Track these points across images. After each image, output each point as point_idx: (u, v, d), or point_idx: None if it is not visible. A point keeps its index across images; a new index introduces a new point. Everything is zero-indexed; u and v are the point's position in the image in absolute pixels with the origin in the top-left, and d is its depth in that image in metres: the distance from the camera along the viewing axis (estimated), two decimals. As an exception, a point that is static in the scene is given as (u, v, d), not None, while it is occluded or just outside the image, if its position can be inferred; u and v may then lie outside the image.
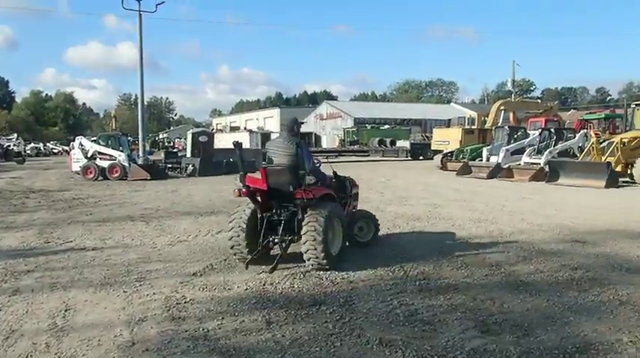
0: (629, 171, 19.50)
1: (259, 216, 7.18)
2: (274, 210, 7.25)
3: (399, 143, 45.83)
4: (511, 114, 35.08)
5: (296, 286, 6.34)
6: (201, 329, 5.05)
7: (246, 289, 6.24)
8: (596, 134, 23.05)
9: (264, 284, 6.41)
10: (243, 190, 7.10)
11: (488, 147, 26.53)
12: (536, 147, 23.84)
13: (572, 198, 15.48)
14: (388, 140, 45.78)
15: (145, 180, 22.89)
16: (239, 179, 7.19)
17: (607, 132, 30.28)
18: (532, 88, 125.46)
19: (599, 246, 8.42)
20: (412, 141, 45.48)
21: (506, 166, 23.50)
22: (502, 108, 33.71)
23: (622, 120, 25.69)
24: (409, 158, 44.06)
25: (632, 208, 13.01)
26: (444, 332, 4.88)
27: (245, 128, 54.84)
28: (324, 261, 6.88)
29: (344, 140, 51.41)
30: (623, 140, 19.79)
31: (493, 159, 25.15)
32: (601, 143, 21.35)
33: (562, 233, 9.61)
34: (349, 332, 4.95)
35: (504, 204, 14.04)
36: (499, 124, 31.19)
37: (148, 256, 7.99)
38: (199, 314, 5.44)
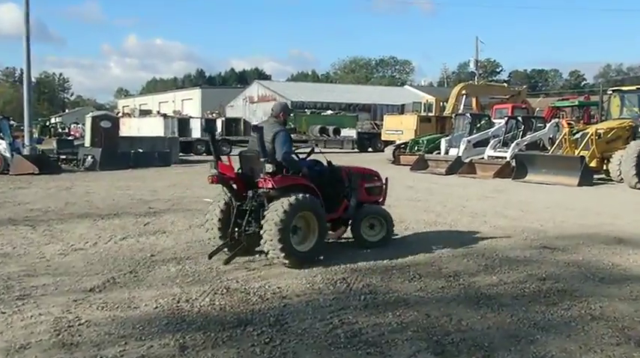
0: (604, 167, 20.41)
1: (232, 205, 8.08)
2: (247, 200, 8.05)
3: (344, 132, 46.27)
4: (474, 100, 36.07)
5: (217, 303, 6.28)
6: (98, 357, 4.92)
7: (156, 307, 6.14)
8: (568, 124, 24.06)
9: (178, 301, 6.32)
10: (215, 177, 7.95)
11: (448, 138, 27.20)
12: (501, 138, 24.62)
13: (542, 197, 16.07)
14: (331, 128, 46.13)
15: (32, 174, 22.14)
16: (213, 165, 8.03)
17: (581, 121, 31.68)
18: (498, 70, 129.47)
19: (570, 253, 8.75)
20: (359, 130, 45.98)
21: (467, 160, 24.15)
22: (464, 92, 34.61)
23: (597, 109, 26.81)
24: (356, 149, 44.56)
25: (607, 209, 13.63)
26: (393, 355, 4.96)
27: (159, 112, 53.83)
28: (283, 256, 7.57)
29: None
30: (598, 131, 20.68)
31: (453, 152, 25.81)
32: (574, 134, 22.25)
33: (529, 238, 9.95)
34: (280, 357, 4.95)
35: (465, 204, 14.41)
36: (460, 111, 32.03)
37: (34, 268, 7.74)
38: (97, 338, 5.30)
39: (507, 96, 37.92)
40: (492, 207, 13.80)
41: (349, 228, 9.13)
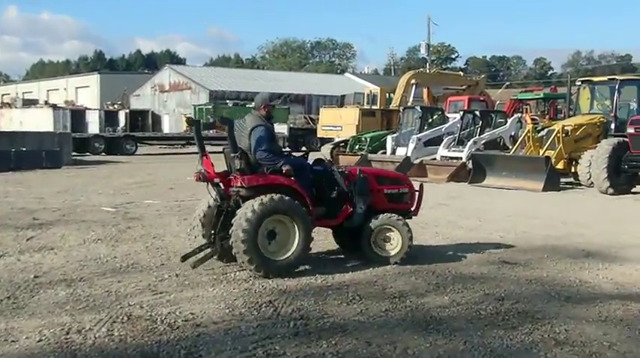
0: (572, 169, 21.08)
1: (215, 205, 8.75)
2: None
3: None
4: (425, 91, 36.69)
5: (116, 333, 6.18)
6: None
7: (40, 340, 5.99)
8: (532, 119, 24.70)
9: (67, 333, 6.18)
10: (198, 174, 8.61)
11: (395, 136, 27.57)
12: (456, 135, 25.10)
13: (502, 204, 16.47)
14: (258, 123, 46.05)
15: None
16: (199, 161, 8.70)
17: (546, 116, 32.61)
18: (453, 56, 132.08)
19: (533, 269, 9.00)
20: (291, 126, 46.18)
21: (417, 161, 24.54)
22: (413, 81, 35.10)
23: (565, 102, 27.64)
24: (287, 148, 44.52)
25: (575, 218, 14.09)
26: (327, 392, 4.98)
27: (47, 102, 52.64)
28: (250, 264, 8.13)
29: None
30: (565, 128, 21.34)
31: (401, 152, 26.18)
32: (539, 131, 22.91)
33: (487, 251, 10.17)
34: (193, 397, 4.90)
35: (414, 212, 14.61)
36: (409, 104, 32.46)
37: None
38: (-35, 380, 5.13)
39: (464, 87, 38.66)
40: (445, 216, 14.05)
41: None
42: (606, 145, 19.43)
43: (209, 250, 8.68)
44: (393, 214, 9.37)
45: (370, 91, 39.65)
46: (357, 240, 9.36)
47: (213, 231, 8.66)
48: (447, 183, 21.97)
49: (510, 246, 10.64)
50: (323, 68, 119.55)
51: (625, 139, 19.15)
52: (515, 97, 36.02)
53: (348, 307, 7.10)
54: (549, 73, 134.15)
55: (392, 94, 36.23)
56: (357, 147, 29.64)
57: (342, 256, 9.74)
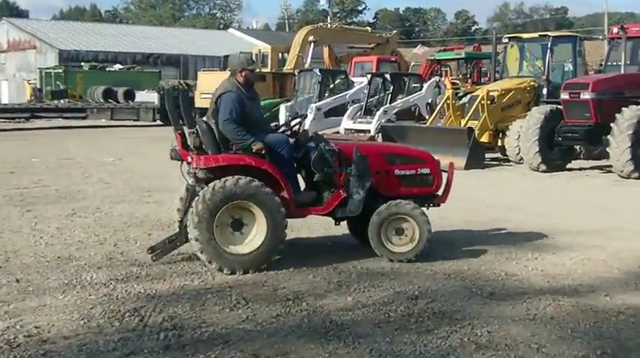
0: (499, 143, 21.63)
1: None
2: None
3: (141, 96, 45.62)
4: (325, 50, 36.82)
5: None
6: None
7: None
8: (452, 84, 25.17)
9: None
10: (171, 153, 9.18)
11: (289, 104, 27.64)
12: (363, 104, 25.30)
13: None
14: (121, 91, 45.31)
15: None
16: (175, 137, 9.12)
17: (469, 80, 33.26)
18: (360, 9, 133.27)
19: (452, 261, 9.22)
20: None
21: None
22: (311, 39, 35.20)
23: (490, 63, 28.23)
24: (158, 121, 44.01)
25: (502, 201, 14.55)
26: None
27: None
28: (206, 258, 8.50)
29: (41, 90, 49.72)
30: (491, 94, 21.83)
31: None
32: (460, 98, 23.35)
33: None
34: None
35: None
36: (306, 66, 32.54)
37: None
38: None
39: (372, 46, 39.05)
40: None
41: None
42: (537, 114, 19.88)
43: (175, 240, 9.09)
44: (407, 201, 9.29)
45: (259, 51, 39.47)
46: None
47: (179, 218, 9.11)
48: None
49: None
50: (202, 22, 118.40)
51: (559, 106, 19.67)
52: (432, 58, 36.53)
53: (231, 313, 7.12)
54: (473, 28, 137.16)
55: (286, 54, 36.25)
56: (244, 118, 29.49)
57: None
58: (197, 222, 8.38)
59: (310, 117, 25.49)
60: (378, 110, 24.31)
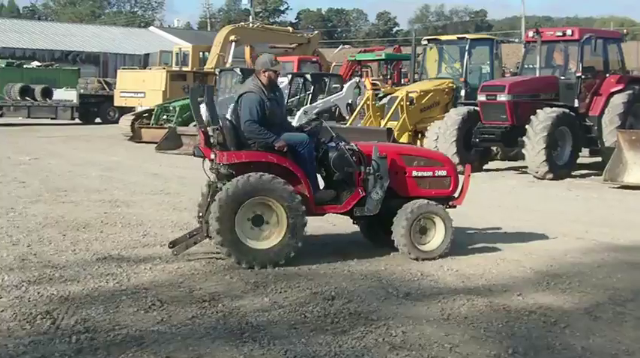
0: (418, 143, 21.84)
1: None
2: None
3: (59, 94, 44.79)
4: (247, 50, 36.78)
5: None
6: None
7: None
8: (373, 84, 25.37)
9: None
10: (194, 150, 9.59)
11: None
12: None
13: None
14: (38, 89, 44.40)
15: None
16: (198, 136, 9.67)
17: (389, 81, 33.57)
18: (282, 9, 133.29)
19: (369, 262, 9.30)
20: (82, 91, 44.83)
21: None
22: (232, 38, 35.17)
23: (410, 64, 28.51)
24: (77, 120, 43.42)
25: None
26: None
27: None
28: (226, 252, 8.76)
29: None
30: (410, 95, 22.08)
31: (217, 124, 26.07)
32: (380, 98, 23.54)
33: (318, 242, 10.36)
34: None
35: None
36: (227, 65, 32.43)
37: None
38: None
39: (293, 46, 39.12)
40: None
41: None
42: (455, 115, 20.19)
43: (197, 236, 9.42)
44: (431, 201, 9.58)
45: (180, 49, 39.28)
46: (388, 231, 9.57)
47: (200, 214, 9.49)
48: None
49: (344, 236, 10.92)
50: (122, 20, 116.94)
51: (476, 108, 19.99)
52: (352, 58, 36.74)
53: (146, 315, 7.06)
54: (395, 29, 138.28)
55: (207, 53, 36.09)
56: (164, 118, 29.33)
57: (142, 252, 9.69)
58: (219, 216, 8.62)
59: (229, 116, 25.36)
60: (299, 110, 24.34)
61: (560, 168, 18.45)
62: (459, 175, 10.19)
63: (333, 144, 9.54)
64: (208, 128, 9.27)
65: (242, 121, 9.12)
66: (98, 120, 43.25)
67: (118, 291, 7.85)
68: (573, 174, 19.17)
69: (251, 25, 46.17)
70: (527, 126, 18.21)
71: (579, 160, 19.78)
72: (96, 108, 43.82)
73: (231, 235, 8.69)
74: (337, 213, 9.74)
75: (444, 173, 9.94)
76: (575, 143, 19.02)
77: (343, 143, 9.52)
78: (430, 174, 9.87)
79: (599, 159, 19.76)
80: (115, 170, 19.82)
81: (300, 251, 9.41)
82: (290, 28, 48.04)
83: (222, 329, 6.66)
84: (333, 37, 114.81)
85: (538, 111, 18.36)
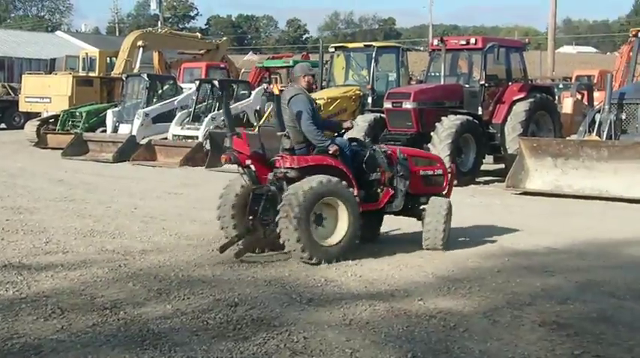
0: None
1: (249, 189, 9.87)
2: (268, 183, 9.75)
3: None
4: (155, 55, 36.52)
5: None
6: None
7: None
8: (280, 91, 25.41)
9: None
10: (228, 156, 9.67)
11: (117, 110, 27.20)
12: (192, 110, 25.21)
13: (244, 192, 16.82)
14: (-63, 94, 43.40)
15: None
16: (227, 141, 9.88)
17: (298, 88, 33.65)
18: (193, 14, 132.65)
19: (274, 268, 9.35)
20: (-14, 96, 43.91)
21: (144, 141, 24.41)
22: (140, 43, 34.93)
23: (318, 72, 28.71)
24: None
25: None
26: None
27: None
28: (301, 251, 9.16)
29: None
30: (317, 102, 22.12)
31: (124, 130, 25.93)
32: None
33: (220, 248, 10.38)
34: None
35: (138, 204, 14.73)
36: (135, 71, 32.19)
37: None
38: None
39: (202, 52, 39.01)
40: (176, 208, 14.20)
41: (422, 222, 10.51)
42: (362, 122, 20.25)
43: (249, 238, 9.81)
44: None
45: (87, 54, 38.79)
46: (375, 228, 10.93)
47: (251, 218, 9.72)
48: (181, 167, 22.05)
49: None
50: (29, 24, 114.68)
51: (382, 115, 20.19)
52: (261, 65, 36.83)
53: (45, 323, 6.96)
54: (304, 36, 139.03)
55: (114, 59, 35.74)
56: (70, 123, 29.00)
57: (44, 259, 9.52)
58: (295, 220, 9.03)
59: (137, 122, 25.20)
60: (207, 116, 24.27)
61: (464, 174, 18.67)
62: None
63: (359, 147, 10.45)
64: (279, 133, 9.73)
65: (304, 123, 9.68)
66: (3, 125, 42.30)
67: (17, 300, 7.71)
68: (477, 180, 19.49)
69: (159, 30, 45.80)
70: (432, 133, 18.45)
71: (483, 167, 20.10)
72: (0, 114, 42.85)
73: (307, 233, 9.16)
74: (370, 210, 10.22)
75: (440, 172, 11.03)
76: (479, 150, 19.32)
77: (377, 146, 10.56)
78: (432, 173, 10.90)
79: (503, 165, 20.13)
80: (18, 176, 19.48)
81: (201, 258, 9.67)
82: (198, 34, 47.96)
83: (122, 337, 6.60)
84: (243, 44, 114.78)
85: (443, 118, 18.61)
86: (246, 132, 10.51)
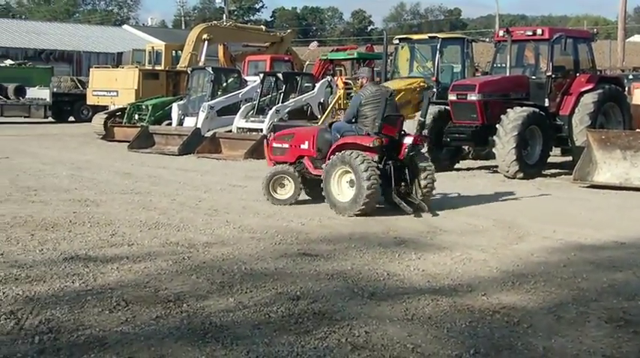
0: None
1: (383, 164, 12.66)
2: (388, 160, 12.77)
3: (32, 92, 44.56)
4: (220, 48, 36.61)
5: None
6: None
7: None
8: (345, 83, 25.38)
9: None
10: (386, 139, 12.69)
11: (182, 103, 27.36)
12: (255, 102, 25.28)
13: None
14: (11, 87, 44.14)
15: None
16: (377, 128, 12.70)
17: (361, 80, 33.50)
18: (258, 7, 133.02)
19: (336, 261, 9.32)
20: (55, 90, 44.62)
21: (209, 134, 24.56)
22: (205, 37, 35.01)
23: (382, 63, 28.59)
24: (50, 118, 43.18)
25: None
26: None
27: None
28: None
29: None
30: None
31: (189, 123, 26.06)
32: (351, 97, 23.59)
33: (285, 241, 10.44)
34: None
35: (202, 197, 14.79)
36: (200, 64, 32.35)
37: None
38: None
39: (267, 45, 39.06)
40: (240, 201, 14.26)
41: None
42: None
43: (405, 198, 12.73)
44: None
45: (152, 48, 39.09)
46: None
47: (403, 184, 12.80)
48: (245, 160, 22.13)
49: (312, 235, 10.96)
50: (97, 18, 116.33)
51: (447, 107, 20.02)
52: (325, 57, 36.72)
53: (110, 315, 7.04)
54: (369, 28, 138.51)
55: (180, 52, 35.97)
56: (136, 116, 29.31)
57: (110, 252, 9.65)
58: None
59: (202, 115, 25.34)
60: (271, 109, 24.33)
61: (530, 167, 18.48)
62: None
63: None
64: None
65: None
66: (71, 118, 43.01)
67: (83, 291, 7.81)
68: (544, 173, 19.22)
69: (224, 23, 46.01)
70: (497, 126, 18.22)
71: (550, 159, 19.83)
72: (69, 107, 43.61)
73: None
74: None
75: None
76: (546, 142, 19.04)
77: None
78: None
79: (570, 158, 19.86)
80: (85, 169, 19.74)
81: (264, 251, 9.69)
82: (263, 27, 47.95)
83: (185, 330, 6.65)
84: (307, 36, 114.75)
85: (508, 110, 18.39)
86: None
